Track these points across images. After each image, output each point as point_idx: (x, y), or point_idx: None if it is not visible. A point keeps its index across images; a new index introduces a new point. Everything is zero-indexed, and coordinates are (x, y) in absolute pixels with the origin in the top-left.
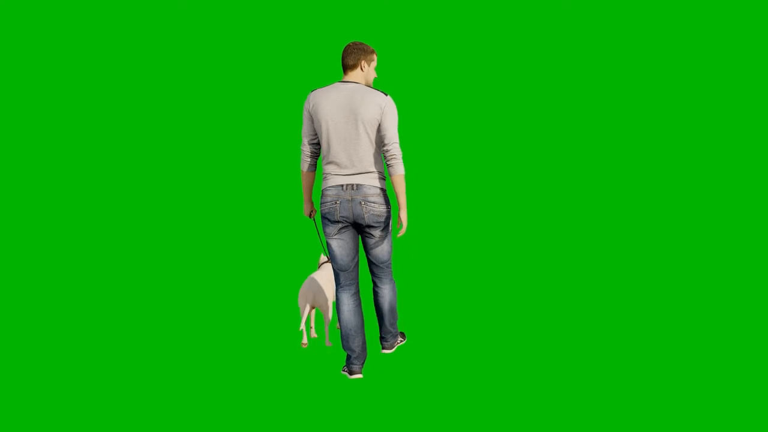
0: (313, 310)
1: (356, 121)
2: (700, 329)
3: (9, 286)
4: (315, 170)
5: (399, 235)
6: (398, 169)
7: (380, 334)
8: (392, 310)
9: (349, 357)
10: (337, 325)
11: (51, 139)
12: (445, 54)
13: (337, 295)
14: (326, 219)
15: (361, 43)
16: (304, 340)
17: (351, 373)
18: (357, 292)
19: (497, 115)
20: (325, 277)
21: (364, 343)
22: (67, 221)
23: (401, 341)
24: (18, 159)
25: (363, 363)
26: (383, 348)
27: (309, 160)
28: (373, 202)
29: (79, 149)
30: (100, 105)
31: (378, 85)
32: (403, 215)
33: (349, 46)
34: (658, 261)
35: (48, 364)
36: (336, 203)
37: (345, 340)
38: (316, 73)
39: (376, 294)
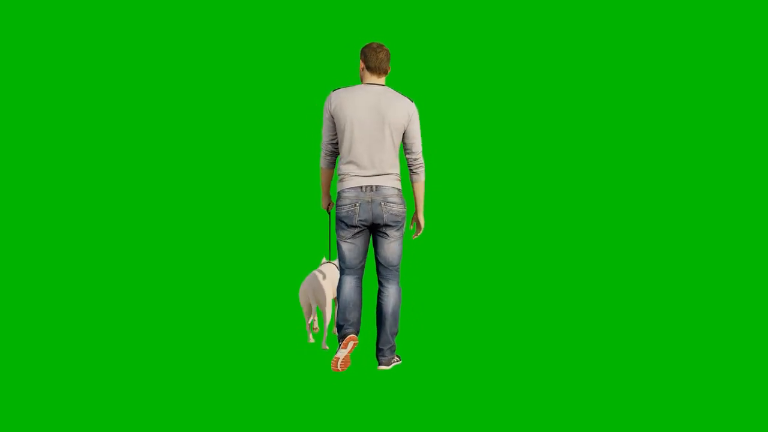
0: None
1: (383, 123)
2: (706, 332)
3: (10, 286)
4: (334, 167)
5: (414, 237)
6: (422, 177)
7: (377, 345)
8: (395, 315)
9: (341, 328)
10: (334, 329)
11: (63, 137)
12: (446, 53)
13: (340, 278)
14: (342, 222)
15: (385, 47)
16: (310, 338)
17: (343, 337)
18: (360, 278)
19: (501, 117)
20: (324, 275)
21: (359, 318)
22: (78, 220)
23: (398, 361)
24: (32, 160)
25: (357, 332)
26: (380, 363)
27: (329, 158)
28: (393, 202)
29: (94, 150)
30: (110, 106)
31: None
32: (421, 217)
33: (382, 49)
34: (671, 267)
35: (51, 364)
36: (355, 206)
37: (342, 312)
38: (315, 73)
39: (380, 294)
